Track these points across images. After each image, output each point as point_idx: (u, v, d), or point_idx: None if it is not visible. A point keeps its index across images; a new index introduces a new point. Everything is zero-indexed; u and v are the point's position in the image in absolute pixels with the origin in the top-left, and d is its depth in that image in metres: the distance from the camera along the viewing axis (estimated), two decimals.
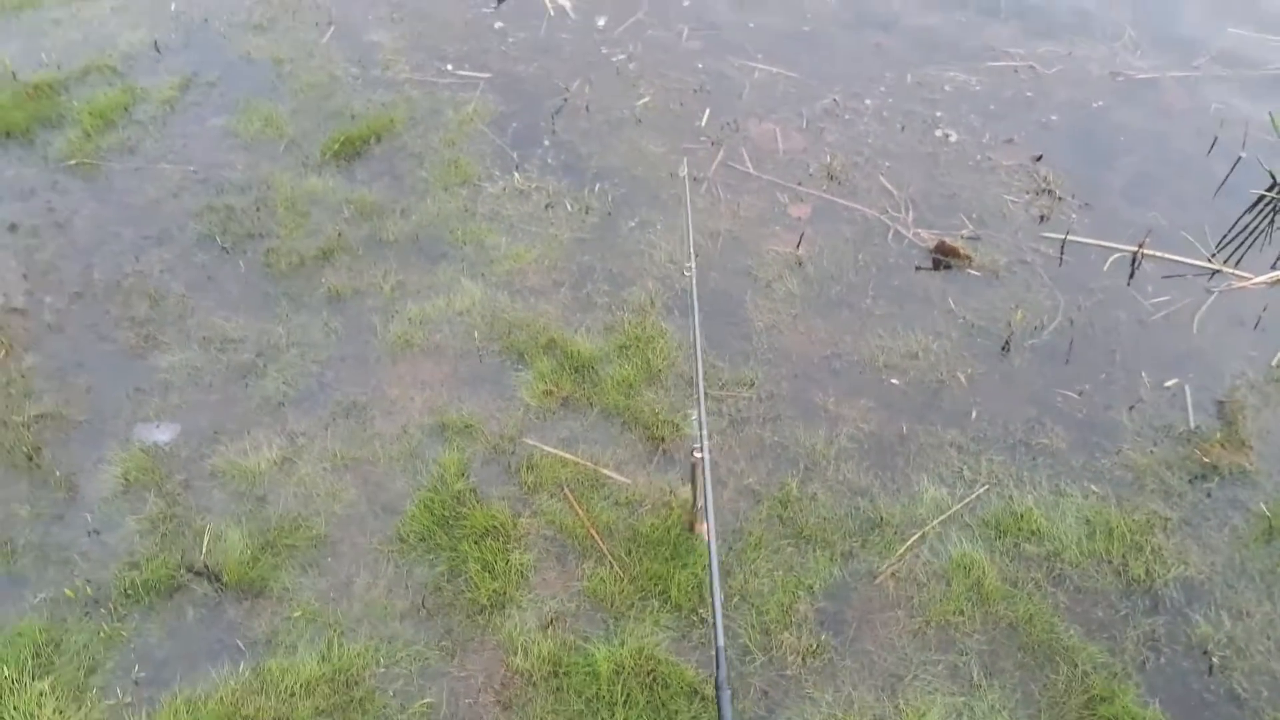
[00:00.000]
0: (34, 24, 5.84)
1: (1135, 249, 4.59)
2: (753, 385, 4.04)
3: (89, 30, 5.80)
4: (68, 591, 3.36)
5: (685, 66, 5.72)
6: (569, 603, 3.32)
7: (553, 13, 6.06)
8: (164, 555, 3.45)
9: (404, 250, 4.59)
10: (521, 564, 3.41)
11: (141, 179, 4.88)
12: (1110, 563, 3.43)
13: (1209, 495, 3.63)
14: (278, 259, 4.51)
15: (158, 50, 5.67)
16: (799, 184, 4.98)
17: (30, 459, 3.76)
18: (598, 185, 4.95)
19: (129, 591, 3.35)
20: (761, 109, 5.45)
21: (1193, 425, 3.86)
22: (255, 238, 4.61)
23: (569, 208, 4.82)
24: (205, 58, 5.64)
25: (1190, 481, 3.67)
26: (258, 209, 4.73)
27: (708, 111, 5.41)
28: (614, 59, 5.76)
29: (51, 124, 5.15)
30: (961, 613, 3.29)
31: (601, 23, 6.01)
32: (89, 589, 3.37)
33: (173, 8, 5.99)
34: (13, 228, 4.60)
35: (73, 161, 4.95)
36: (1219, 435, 3.83)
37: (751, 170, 5.06)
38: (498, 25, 5.97)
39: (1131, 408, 3.94)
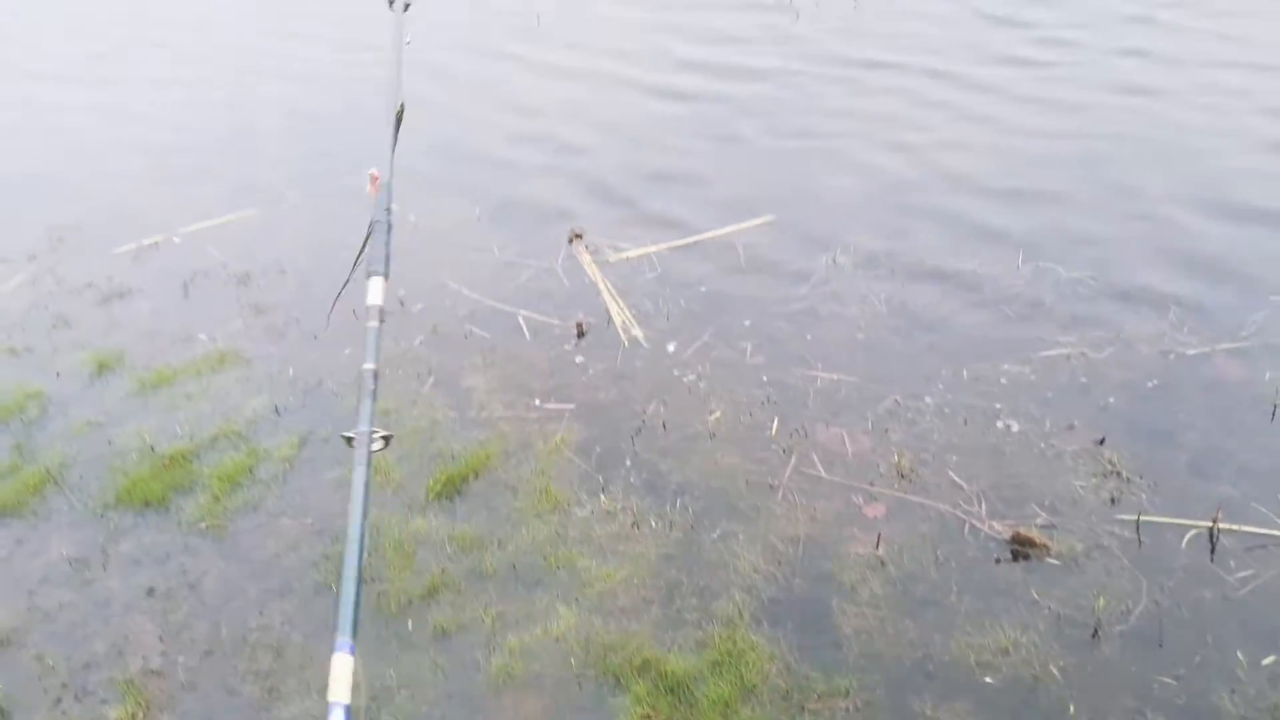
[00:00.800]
0: (169, 399, 6.59)
1: (1210, 524, 4.66)
2: (848, 695, 4.11)
3: (216, 400, 6.52)
4: None
5: (751, 380, 6.17)
6: None
7: (627, 344, 6.65)
8: None
9: (503, 581, 4.89)
10: None
11: (264, 535, 5.35)
12: None
13: None
14: (387, 601, 4.83)
15: (278, 413, 6.33)
16: (871, 484, 5.23)
17: None
18: (678, 500, 5.26)
19: None
20: (827, 414, 5.80)
21: None
22: (367, 582, 4.96)
23: (653, 525, 5.11)
24: (320, 415, 6.28)
25: None
26: (369, 554, 5.11)
27: (776, 421, 5.78)
28: (685, 379, 6.24)
29: (184, 490, 5.72)
30: None
31: (671, 348, 6.55)
32: None
33: (290, 373, 6.72)
34: (150, 591, 5.05)
35: (203, 524, 5.46)
36: None
37: (824, 474, 5.34)
38: (579, 359, 6.56)
39: (1232, 690, 3.90)
